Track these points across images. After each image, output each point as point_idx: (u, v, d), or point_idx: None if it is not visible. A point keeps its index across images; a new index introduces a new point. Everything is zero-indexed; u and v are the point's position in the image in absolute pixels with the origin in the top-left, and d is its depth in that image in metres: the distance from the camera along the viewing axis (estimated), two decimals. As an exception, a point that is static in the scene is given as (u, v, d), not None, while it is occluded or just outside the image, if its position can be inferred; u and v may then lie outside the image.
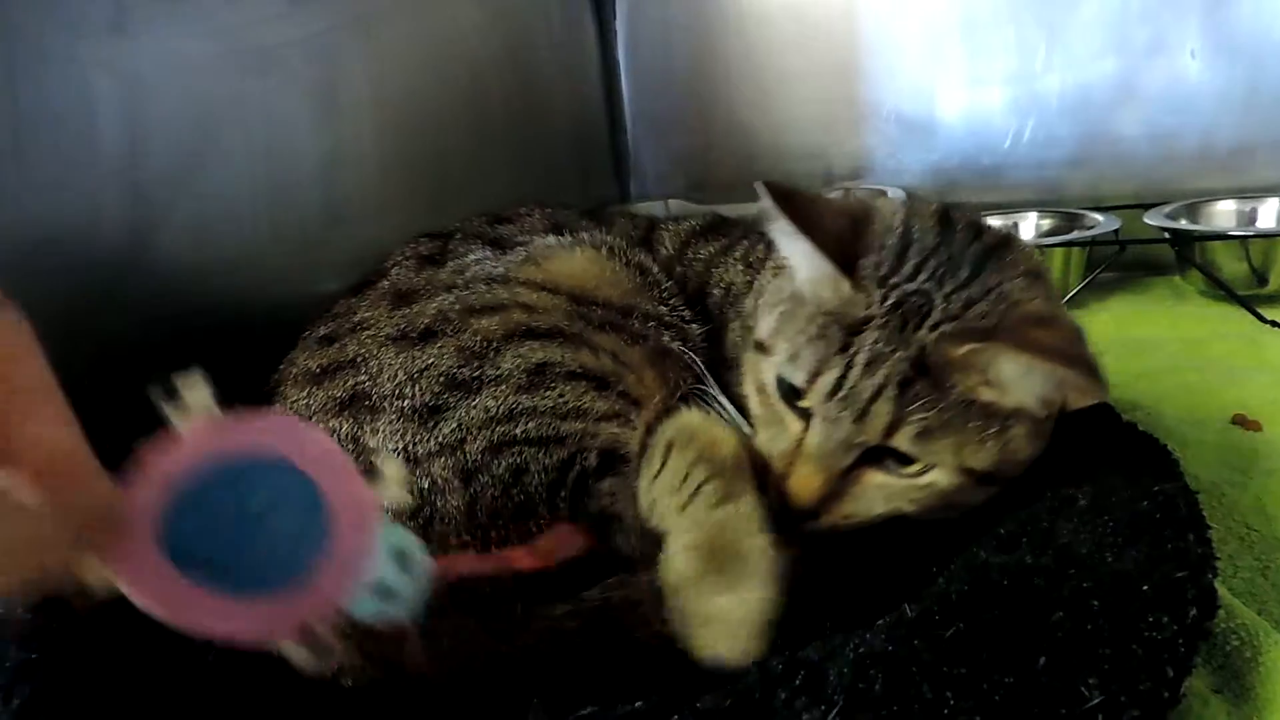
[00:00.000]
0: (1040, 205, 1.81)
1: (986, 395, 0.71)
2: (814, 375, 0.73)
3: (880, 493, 0.74)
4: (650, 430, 0.79)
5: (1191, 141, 1.75)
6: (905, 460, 0.73)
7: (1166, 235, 1.58)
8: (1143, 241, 1.61)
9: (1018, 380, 0.70)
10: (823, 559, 0.74)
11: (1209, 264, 1.55)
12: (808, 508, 0.74)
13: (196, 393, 0.47)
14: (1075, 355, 0.69)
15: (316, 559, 0.46)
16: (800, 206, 0.76)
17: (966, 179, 1.90)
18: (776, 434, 0.77)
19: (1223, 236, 1.55)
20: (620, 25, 2.12)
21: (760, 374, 0.79)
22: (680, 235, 1.03)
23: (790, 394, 0.76)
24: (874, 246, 0.77)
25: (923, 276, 0.75)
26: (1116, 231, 1.60)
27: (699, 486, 0.71)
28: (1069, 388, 0.71)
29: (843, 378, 0.72)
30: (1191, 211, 1.65)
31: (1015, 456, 0.74)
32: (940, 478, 0.73)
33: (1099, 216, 1.65)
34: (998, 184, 1.88)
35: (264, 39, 1.18)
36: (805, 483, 0.74)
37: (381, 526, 0.49)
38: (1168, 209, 1.62)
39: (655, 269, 0.96)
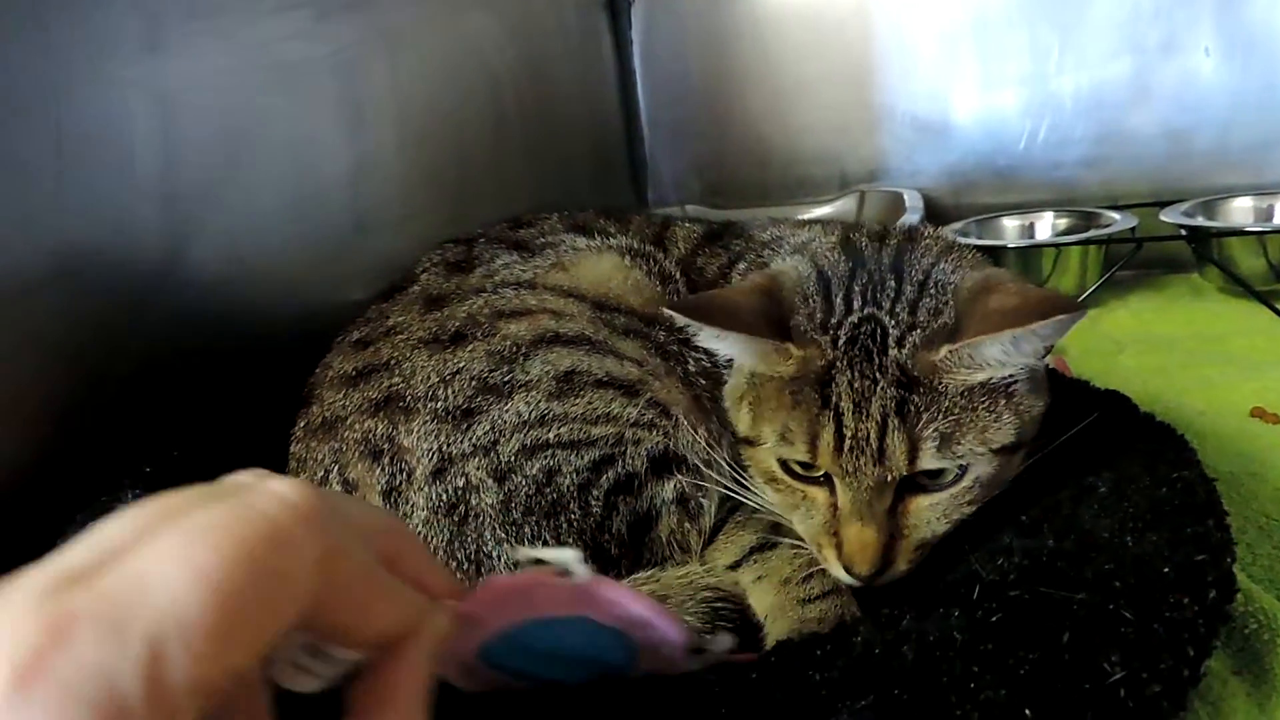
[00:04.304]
0: (1056, 205, 1.82)
1: (980, 377, 0.72)
2: (812, 441, 0.73)
3: (934, 511, 0.73)
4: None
5: (1207, 139, 1.76)
6: (938, 472, 0.72)
7: (1183, 232, 1.58)
8: (1160, 239, 1.62)
9: (1005, 355, 0.71)
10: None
11: (1226, 260, 1.56)
12: (876, 565, 0.72)
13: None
14: (1038, 302, 0.69)
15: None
16: (712, 308, 0.76)
17: (982, 180, 1.92)
18: (807, 511, 0.76)
19: (1239, 232, 1.55)
20: (636, 34, 2.14)
21: (762, 464, 0.79)
22: (691, 239, 1.03)
23: (802, 469, 0.76)
24: (796, 303, 0.77)
25: (857, 304, 0.76)
26: (1134, 229, 1.61)
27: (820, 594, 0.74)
28: (1051, 330, 0.70)
29: (840, 430, 0.71)
30: (1208, 208, 1.65)
31: (1030, 413, 0.74)
32: (981, 470, 0.72)
33: (1115, 215, 1.66)
34: (1013, 184, 1.89)
35: (290, 55, 1.20)
36: (860, 542, 0.72)
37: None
38: (1184, 206, 1.63)
39: (676, 274, 0.97)
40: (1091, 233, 1.64)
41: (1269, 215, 1.66)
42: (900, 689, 0.52)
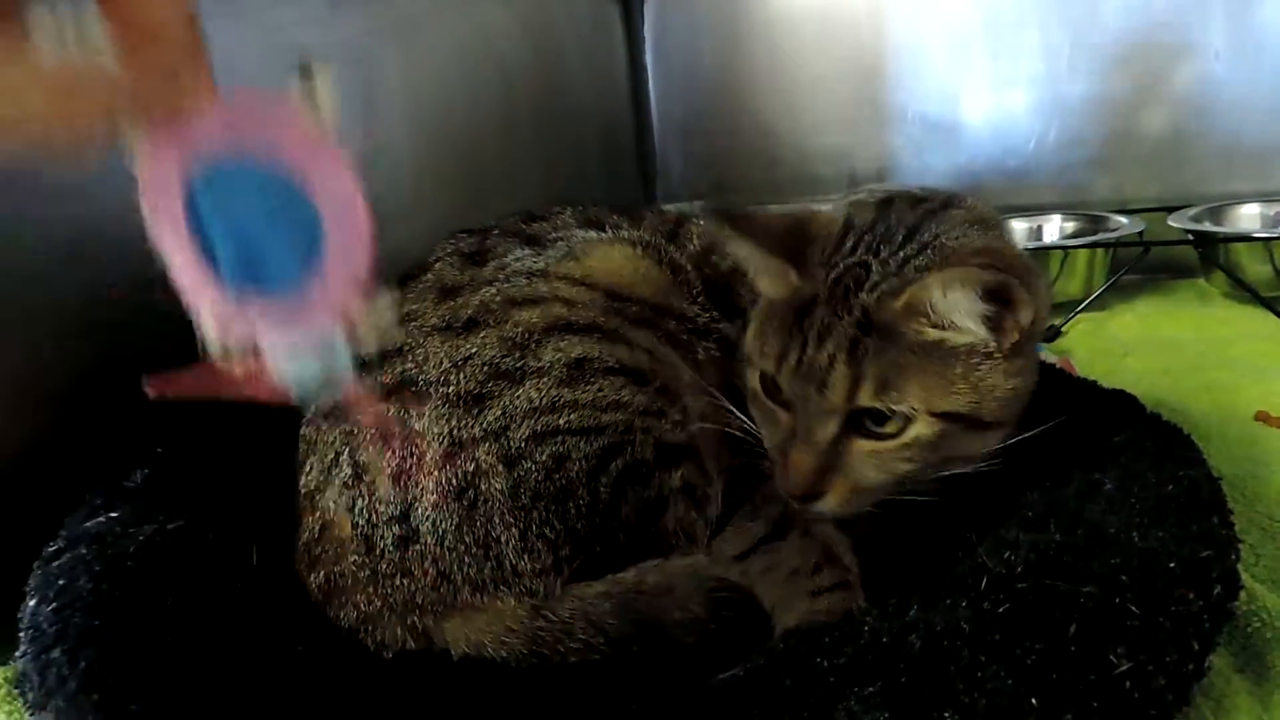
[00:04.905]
0: (1064, 207, 1.83)
1: (934, 335, 0.73)
2: (780, 360, 0.78)
3: (871, 459, 0.76)
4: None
5: (1216, 144, 1.76)
6: (881, 419, 0.75)
7: (1190, 237, 1.59)
8: (1167, 243, 1.62)
9: (951, 307, 0.72)
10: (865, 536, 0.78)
11: (1233, 265, 1.56)
12: (806, 487, 0.77)
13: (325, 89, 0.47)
14: (990, 262, 0.71)
15: (307, 277, 0.48)
16: (741, 220, 0.82)
17: (991, 181, 1.92)
18: (774, 429, 0.81)
19: (1246, 238, 1.56)
20: (647, 30, 2.14)
21: (751, 382, 0.83)
22: (708, 235, 1.04)
23: (774, 389, 0.80)
24: (818, 239, 0.81)
25: (860, 250, 0.79)
26: (1141, 233, 1.61)
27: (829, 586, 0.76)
28: (999, 299, 0.72)
29: (801, 355, 0.76)
30: (1215, 214, 1.66)
31: (993, 394, 0.75)
32: (921, 429, 0.75)
33: (1123, 219, 1.66)
34: (1022, 186, 1.89)
35: (304, 40, 1.20)
36: (798, 464, 0.77)
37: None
38: (1192, 211, 1.64)
39: (688, 266, 0.97)
40: (1099, 236, 1.64)
41: (1276, 222, 1.67)
42: (908, 677, 0.53)
